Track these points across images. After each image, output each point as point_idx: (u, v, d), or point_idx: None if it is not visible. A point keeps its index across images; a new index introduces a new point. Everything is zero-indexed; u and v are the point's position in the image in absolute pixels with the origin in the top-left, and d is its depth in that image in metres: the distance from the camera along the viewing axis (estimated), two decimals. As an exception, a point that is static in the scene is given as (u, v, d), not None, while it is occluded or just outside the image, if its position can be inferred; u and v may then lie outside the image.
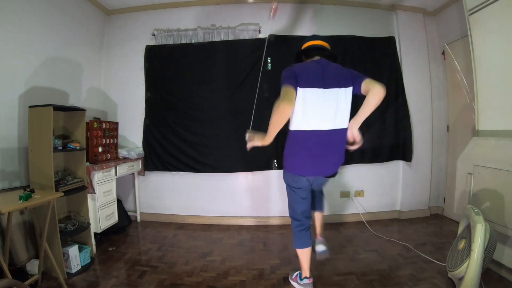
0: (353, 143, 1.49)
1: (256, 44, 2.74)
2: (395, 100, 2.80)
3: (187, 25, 2.87)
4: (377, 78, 1.37)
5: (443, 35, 2.97)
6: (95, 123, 2.32)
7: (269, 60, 2.73)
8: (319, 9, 2.86)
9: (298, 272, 1.71)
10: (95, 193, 2.11)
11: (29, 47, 2.09)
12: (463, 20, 2.20)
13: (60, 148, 1.93)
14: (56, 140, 1.88)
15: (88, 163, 2.21)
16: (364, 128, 2.69)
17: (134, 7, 2.93)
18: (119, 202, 2.60)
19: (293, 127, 1.42)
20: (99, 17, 2.94)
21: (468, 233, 1.57)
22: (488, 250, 1.48)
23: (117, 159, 2.54)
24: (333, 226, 2.75)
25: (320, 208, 1.90)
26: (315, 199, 1.80)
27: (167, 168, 2.84)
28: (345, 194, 2.89)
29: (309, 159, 1.44)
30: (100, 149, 2.35)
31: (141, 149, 2.85)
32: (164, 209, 2.97)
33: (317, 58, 1.52)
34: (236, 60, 2.75)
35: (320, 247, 1.86)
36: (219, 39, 2.82)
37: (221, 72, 2.77)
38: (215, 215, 2.90)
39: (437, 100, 3.00)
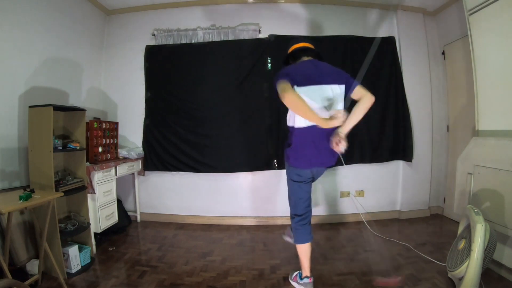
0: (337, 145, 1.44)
1: (256, 44, 2.74)
2: (395, 100, 2.80)
3: (187, 25, 2.87)
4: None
5: (443, 35, 2.97)
6: (95, 123, 2.32)
7: (269, 60, 2.73)
8: (319, 9, 2.86)
9: (298, 272, 1.72)
10: (95, 193, 2.11)
11: (29, 47, 2.09)
12: (463, 20, 2.20)
13: (60, 148, 1.93)
14: (56, 140, 1.88)
15: (88, 163, 2.21)
16: (364, 128, 2.74)
17: (134, 7, 2.94)
18: (119, 202, 2.60)
19: (297, 124, 1.47)
20: (99, 17, 2.94)
21: (468, 233, 1.57)
22: (488, 250, 1.48)
23: (117, 159, 2.54)
24: (333, 226, 2.75)
25: None
26: None
27: (167, 168, 2.84)
28: (345, 194, 2.89)
29: (314, 151, 1.50)
30: (100, 149, 2.35)
31: (141, 149, 2.85)
32: (164, 209, 2.97)
33: (305, 58, 1.60)
34: (236, 60, 2.75)
35: (287, 238, 1.94)
36: (219, 39, 2.82)
37: (221, 72, 2.77)
38: (215, 215, 2.90)
39: (437, 100, 3.00)
